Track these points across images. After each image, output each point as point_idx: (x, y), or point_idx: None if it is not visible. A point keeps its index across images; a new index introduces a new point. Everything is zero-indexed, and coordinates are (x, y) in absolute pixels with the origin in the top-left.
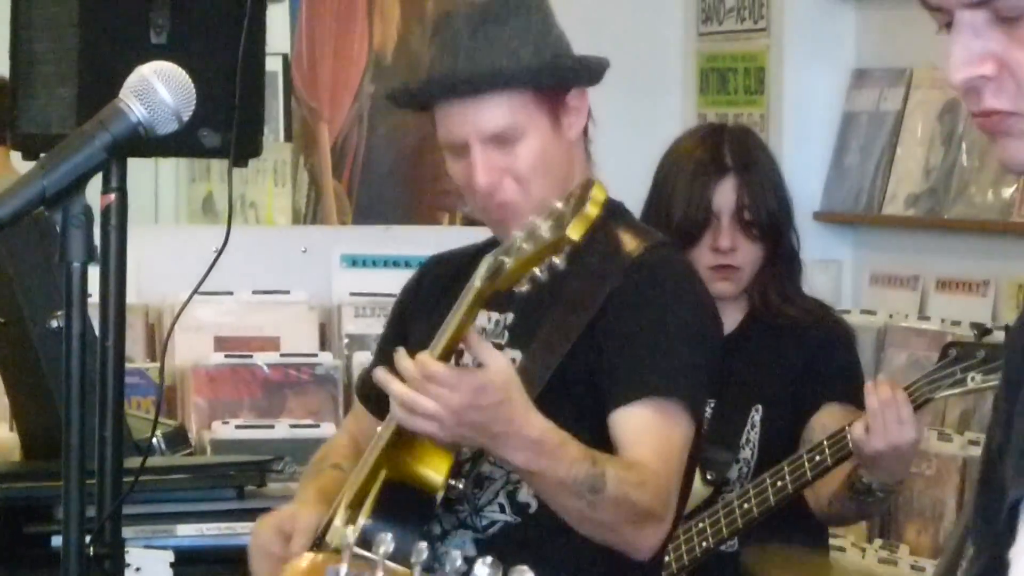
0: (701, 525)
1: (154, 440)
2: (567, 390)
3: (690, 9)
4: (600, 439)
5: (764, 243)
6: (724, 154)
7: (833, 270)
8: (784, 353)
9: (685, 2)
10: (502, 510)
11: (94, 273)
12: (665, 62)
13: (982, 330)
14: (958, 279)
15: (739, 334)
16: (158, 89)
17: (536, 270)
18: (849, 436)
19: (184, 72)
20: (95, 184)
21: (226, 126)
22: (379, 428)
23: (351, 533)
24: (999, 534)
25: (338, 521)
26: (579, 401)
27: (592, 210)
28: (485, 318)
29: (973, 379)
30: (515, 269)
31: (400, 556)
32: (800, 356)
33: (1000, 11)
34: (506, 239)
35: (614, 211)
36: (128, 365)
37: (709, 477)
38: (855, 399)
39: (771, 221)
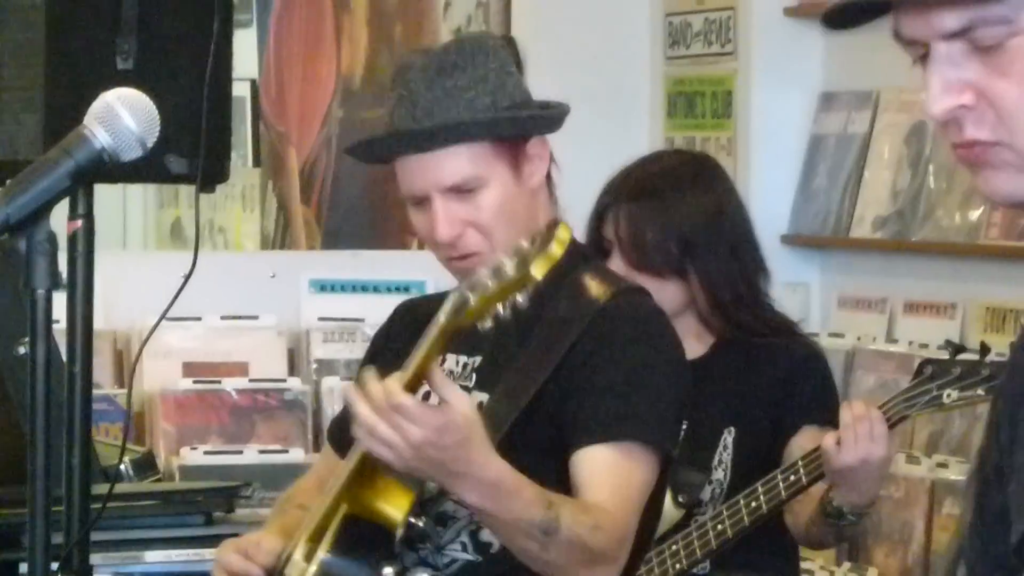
0: (675, 547)
1: (122, 466)
2: (531, 433)
3: (657, 33)
4: (563, 480)
5: (664, 275)
6: (628, 182)
7: (801, 293)
8: (756, 376)
9: (652, 26)
10: (464, 548)
11: (62, 299)
12: (633, 86)
13: (956, 347)
14: (926, 302)
15: (710, 358)
16: (122, 116)
17: (499, 307)
18: (822, 446)
19: (148, 98)
20: (62, 210)
21: (193, 151)
22: (343, 461)
23: (311, 569)
24: (1002, 561)
25: (297, 554)
26: (543, 443)
27: (556, 249)
28: (453, 361)
29: (949, 396)
30: (479, 306)
31: None
32: (774, 379)
33: (977, 41)
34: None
35: (581, 256)
36: (96, 391)
37: (681, 499)
38: (833, 420)
39: (658, 254)
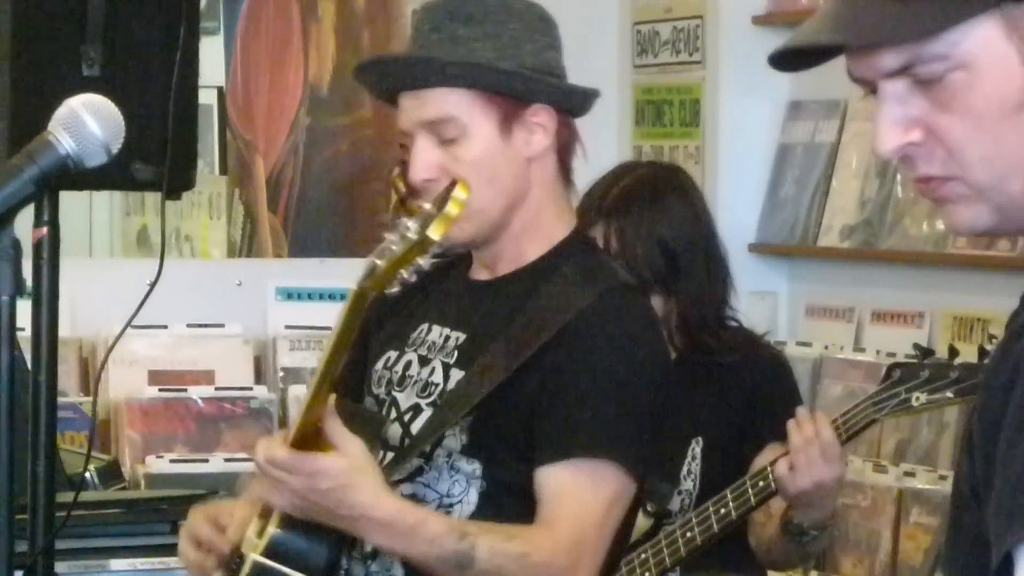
0: (644, 556)
1: (87, 474)
2: (496, 418)
3: (625, 41)
4: (523, 472)
5: (647, 291)
6: (608, 196)
7: (768, 302)
8: (721, 387)
9: (620, 34)
10: None
11: (27, 307)
12: (601, 94)
13: (924, 351)
14: (893, 311)
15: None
16: (87, 122)
17: (403, 272)
18: (772, 476)
19: (113, 105)
20: (28, 218)
21: (159, 159)
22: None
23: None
24: None
25: (250, 531)
26: (507, 432)
27: (453, 209)
28: (438, 333)
29: (918, 399)
30: (386, 270)
31: (306, 567)
32: (738, 393)
33: (919, 76)
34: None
35: (581, 244)
36: (61, 399)
37: (649, 508)
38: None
39: (652, 271)
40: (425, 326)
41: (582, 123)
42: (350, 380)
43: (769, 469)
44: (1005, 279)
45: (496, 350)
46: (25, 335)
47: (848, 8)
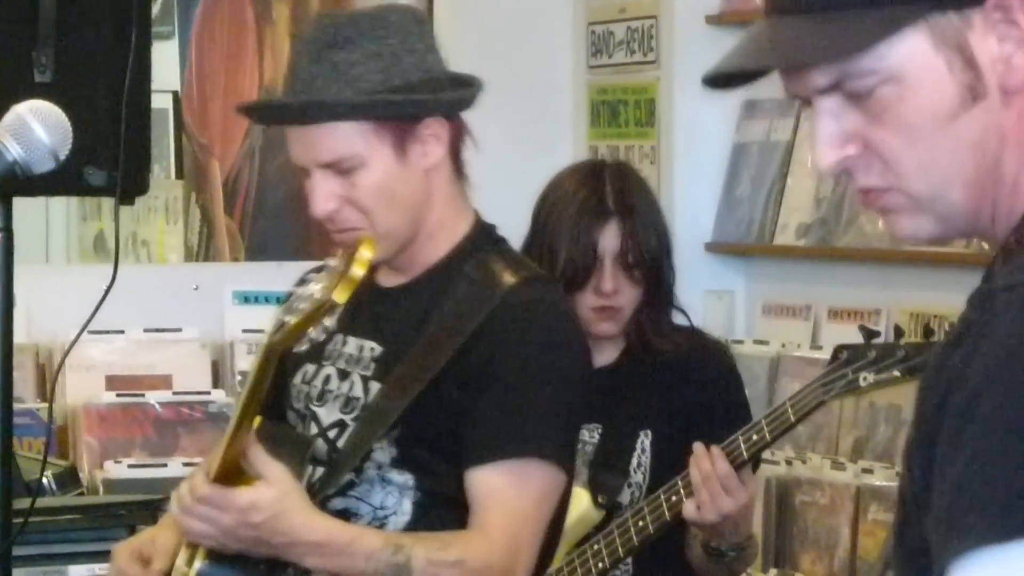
0: (596, 547)
1: (44, 480)
2: (422, 426)
3: (580, 42)
4: (455, 474)
5: (644, 283)
6: (606, 197)
7: (725, 300)
8: (668, 381)
9: (575, 34)
10: None
11: None
12: (556, 95)
13: (869, 333)
14: (850, 308)
15: (620, 365)
16: (34, 128)
17: (311, 330)
18: (684, 514)
19: (60, 110)
20: None
21: (112, 164)
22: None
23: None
24: None
25: (179, 560)
26: (435, 437)
27: (358, 271)
28: (355, 346)
29: (865, 379)
30: (294, 328)
31: None
32: (685, 387)
33: (850, 91)
34: None
35: (485, 239)
36: (17, 405)
37: (600, 500)
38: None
39: (652, 262)
40: (340, 337)
41: (539, 124)
42: (269, 394)
43: (678, 480)
44: (960, 275)
45: (412, 360)
46: None
47: (773, 30)
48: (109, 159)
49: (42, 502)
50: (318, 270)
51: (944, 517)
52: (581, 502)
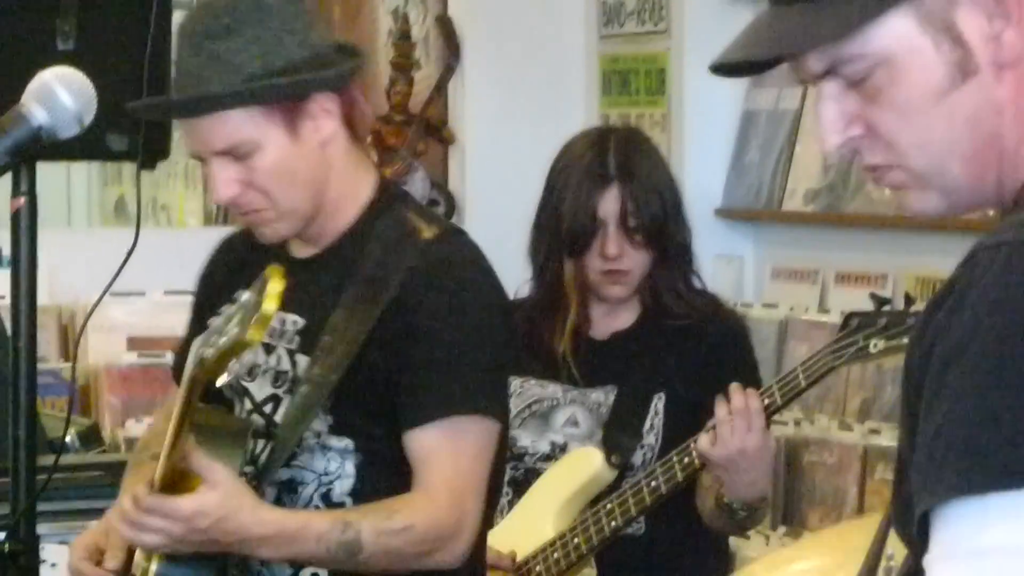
0: (609, 506)
1: (68, 438)
2: (357, 394)
3: (591, 11)
4: (395, 436)
5: (650, 246)
6: (608, 163)
7: (735, 265)
8: (683, 347)
9: (587, 4)
10: (319, 510)
11: (6, 275)
12: (568, 64)
13: (880, 300)
14: (857, 273)
15: (636, 328)
16: (59, 93)
17: (231, 363)
18: (695, 450)
19: (85, 77)
20: (6, 188)
21: (133, 129)
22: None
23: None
24: (913, 542)
25: (138, 555)
26: (371, 403)
27: (270, 307)
28: (278, 319)
29: (875, 345)
30: (213, 364)
31: None
32: (700, 352)
33: (845, 76)
34: (264, 241)
35: (395, 194)
36: (41, 366)
37: (613, 460)
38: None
39: (655, 226)
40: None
41: (551, 93)
42: None
43: (691, 442)
44: (965, 241)
45: (334, 330)
46: (5, 303)
47: (770, 20)
48: (130, 125)
49: (66, 459)
50: (229, 248)
51: (922, 467)
52: (594, 461)
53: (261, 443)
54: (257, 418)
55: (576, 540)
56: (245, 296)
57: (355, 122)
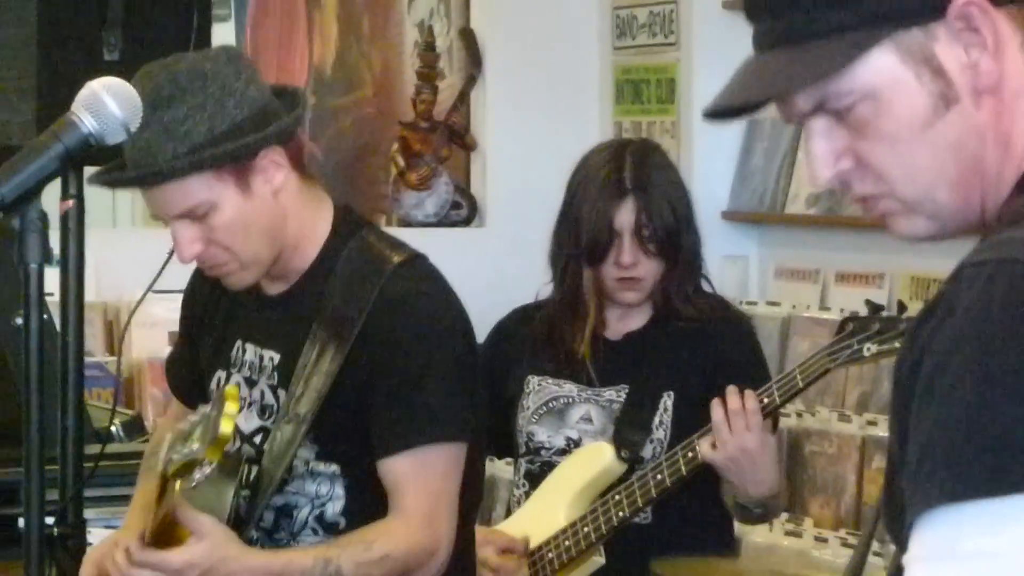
0: (617, 497)
1: (113, 428)
2: (335, 423)
3: (605, 25)
4: (373, 461)
5: (662, 254)
6: (624, 177)
7: (740, 265)
8: (691, 347)
9: (601, 18)
10: (315, 532)
11: (56, 274)
12: (583, 74)
13: (874, 307)
14: (856, 272)
15: (647, 330)
16: (107, 102)
17: (195, 473)
18: (699, 454)
19: (131, 86)
20: (55, 191)
21: None
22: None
23: None
24: (903, 542)
25: None
26: (347, 431)
27: (227, 427)
28: (253, 352)
29: (869, 349)
30: (180, 468)
31: None
32: (708, 351)
33: (833, 111)
34: (232, 289)
35: (354, 222)
36: (88, 359)
37: (624, 455)
38: (761, 386)
39: (667, 235)
40: (239, 343)
41: (568, 101)
42: (191, 382)
43: (695, 439)
44: (958, 244)
45: (307, 365)
46: (54, 300)
47: (757, 66)
48: None
49: (111, 448)
50: (202, 280)
51: (912, 476)
52: (606, 456)
53: (255, 468)
54: (248, 448)
55: (586, 528)
56: (206, 410)
57: (301, 165)
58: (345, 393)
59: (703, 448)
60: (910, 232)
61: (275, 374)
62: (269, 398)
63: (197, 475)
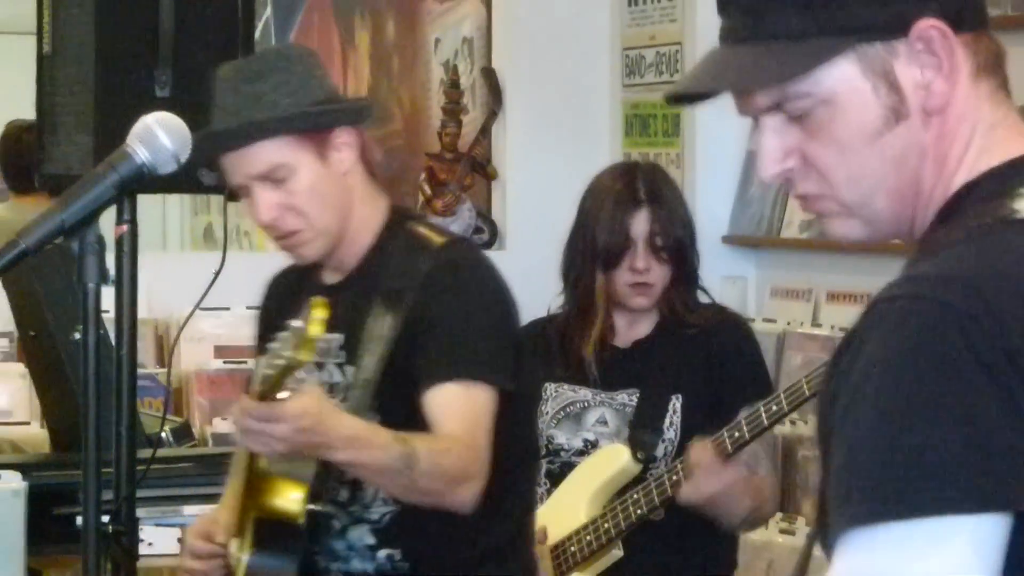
0: (636, 496)
1: (163, 434)
2: (394, 389)
3: (616, 64)
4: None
5: (672, 264)
6: (638, 189)
7: (740, 285)
8: (696, 351)
9: (612, 58)
10: (386, 502)
11: (112, 293)
12: (595, 110)
13: None
14: (846, 292)
15: (654, 337)
16: (159, 135)
17: (286, 380)
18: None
19: (182, 121)
20: (111, 216)
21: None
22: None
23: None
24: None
25: (232, 547)
26: (407, 395)
27: (316, 330)
28: (325, 341)
29: None
30: (274, 381)
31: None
32: (710, 355)
33: (789, 112)
34: (299, 261)
35: (405, 215)
36: (140, 371)
37: (640, 456)
38: (765, 391)
39: (677, 245)
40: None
41: (581, 133)
42: None
43: (743, 420)
44: None
45: (370, 337)
46: (109, 317)
47: (724, 56)
48: (219, 163)
49: (162, 453)
50: (278, 283)
51: (832, 499)
52: (622, 457)
53: None
54: None
55: (606, 525)
56: (295, 323)
57: (369, 159)
58: (403, 357)
59: (685, 493)
60: (844, 234)
61: (341, 352)
62: (337, 376)
63: (291, 383)
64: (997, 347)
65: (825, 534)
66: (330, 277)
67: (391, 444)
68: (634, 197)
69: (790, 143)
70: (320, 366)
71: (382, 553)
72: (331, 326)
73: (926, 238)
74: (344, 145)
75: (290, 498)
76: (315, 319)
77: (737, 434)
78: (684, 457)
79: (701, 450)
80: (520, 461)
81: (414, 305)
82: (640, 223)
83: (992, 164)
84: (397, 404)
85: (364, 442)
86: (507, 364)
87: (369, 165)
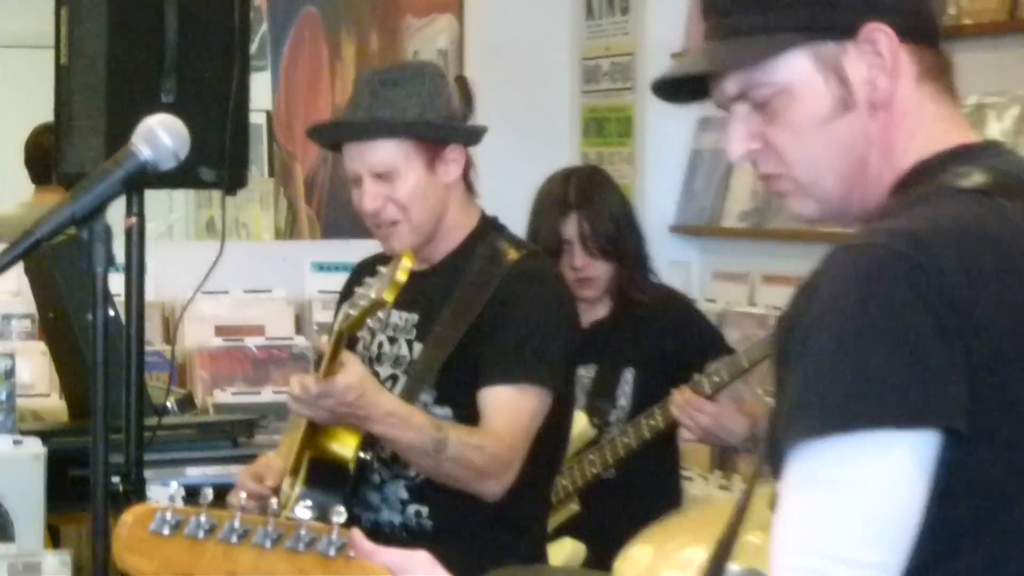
0: (591, 457)
1: (168, 404)
2: (456, 374)
3: (575, 72)
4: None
5: (609, 257)
6: (569, 194)
7: (684, 269)
8: (646, 329)
9: (571, 67)
10: None
11: (122, 278)
12: (556, 114)
13: None
14: (780, 275)
15: (609, 319)
16: (160, 135)
17: (369, 321)
18: (659, 415)
19: (181, 122)
20: (121, 210)
21: (220, 164)
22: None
23: (293, 495)
24: (778, 475)
25: (285, 485)
26: (466, 382)
27: (401, 276)
28: (398, 316)
29: None
30: (357, 320)
31: (323, 516)
32: (660, 332)
33: (753, 100)
34: (390, 251)
35: (492, 226)
36: (148, 347)
37: (595, 422)
38: (721, 349)
39: (610, 242)
40: (386, 311)
41: (543, 135)
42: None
43: (656, 408)
44: None
45: (443, 323)
46: (120, 299)
47: (702, 50)
48: (218, 161)
49: (167, 420)
50: (363, 267)
51: (785, 416)
52: (580, 422)
53: None
54: None
55: (564, 483)
56: (382, 271)
57: (469, 177)
58: (470, 346)
59: (685, 435)
60: (800, 211)
61: (413, 330)
62: (404, 350)
63: (370, 322)
64: (936, 289)
65: (775, 456)
66: (418, 265)
67: (425, 427)
68: (565, 201)
69: (753, 128)
70: (393, 340)
71: (411, 508)
72: (410, 304)
73: (883, 206)
74: (453, 160)
75: (345, 445)
76: (403, 267)
77: (717, 379)
78: (664, 403)
79: (680, 393)
80: (554, 449)
81: (487, 304)
82: (570, 226)
83: (937, 150)
84: (452, 387)
85: (400, 420)
86: (562, 370)
87: (467, 180)
